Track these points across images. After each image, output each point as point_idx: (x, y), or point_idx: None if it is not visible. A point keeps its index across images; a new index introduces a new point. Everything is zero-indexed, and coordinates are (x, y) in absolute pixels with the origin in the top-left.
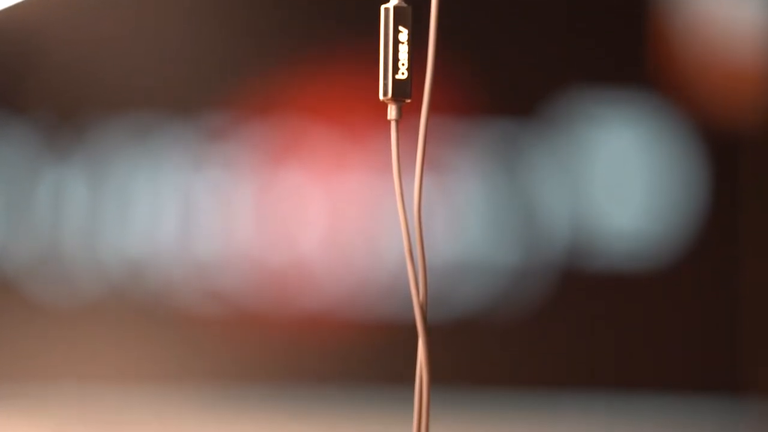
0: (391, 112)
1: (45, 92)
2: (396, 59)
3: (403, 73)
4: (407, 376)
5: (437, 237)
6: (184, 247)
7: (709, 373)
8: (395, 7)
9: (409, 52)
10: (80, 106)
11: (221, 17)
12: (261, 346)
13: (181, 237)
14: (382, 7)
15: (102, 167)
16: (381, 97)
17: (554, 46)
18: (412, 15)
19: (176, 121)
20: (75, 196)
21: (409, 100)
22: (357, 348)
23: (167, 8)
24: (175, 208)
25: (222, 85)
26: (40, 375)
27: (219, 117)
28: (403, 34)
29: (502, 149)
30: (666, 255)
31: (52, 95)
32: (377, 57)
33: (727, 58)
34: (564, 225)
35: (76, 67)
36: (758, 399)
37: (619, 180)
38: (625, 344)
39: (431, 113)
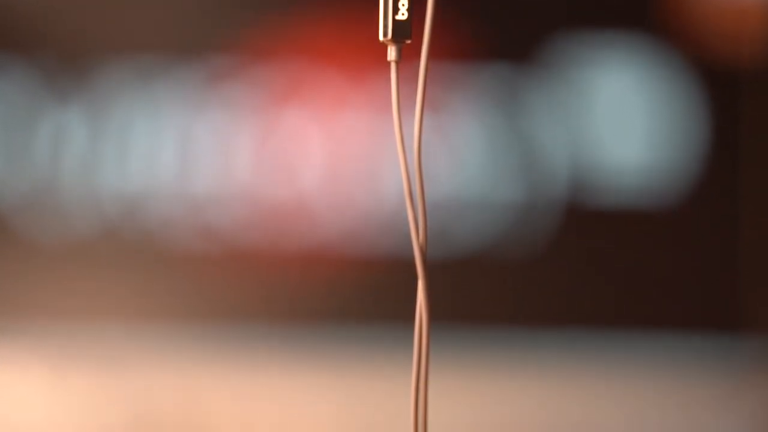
0: (391, 53)
1: (47, 35)
2: (396, 0)
3: (403, 14)
4: (407, 314)
5: (437, 176)
6: (182, 184)
7: (709, 311)
8: None
9: None
10: (82, 48)
11: None
12: (259, 283)
13: (179, 174)
14: None
15: (102, 109)
16: (381, 38)
17: None
18: None
19: (178, 64)
20: (74, 137)
21: (409, 41)
22: (357, 285)
23: None
24: (173, 148)
25: (224, 28)
26: (35, 312)
27: (220, 60)
28: None
29: (502, 92)
30: (667, 191)
31: (54, 38)
32: None
33: None
34: (565, 162)
35: (78, 9)
36: (758, 337)
37: (619, 118)
38: (625, 282)
39: (431, 56)
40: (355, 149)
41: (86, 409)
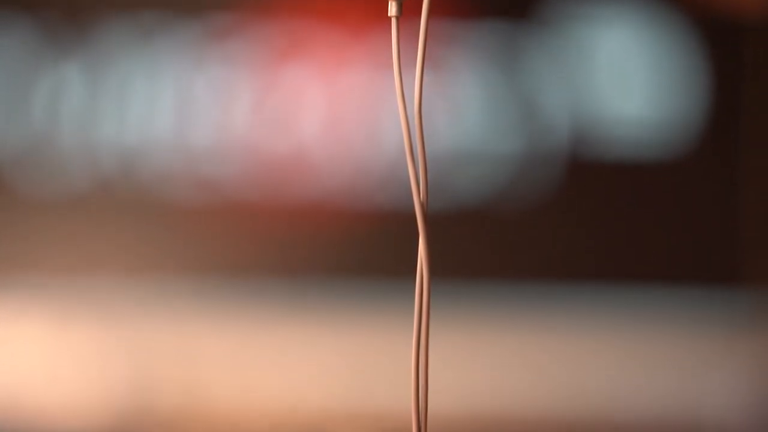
0: (392, 8)
1: None
2: None
3: None
4: (408, 267)
5: (437, 129)
6: (180, 137)
7: (708, 263)
8: None
9: None
10: (83, 4)
11: None
12: (257, 236)
13: (177, 128)
14: None
15: (102, 65)
16: None
17: None
18: None
19: (178, 21)
20: (73, 92)
21: None
22: (356, 238)
23: None
24: (172, 103)
25: None
26: (34, 266)
27: (220, 17)
28: None
29: (502, 47)
30: (668, 144)
31: None
32: None
33: None
34: (565, 115)
35: None
36: (757, 290)
37: (620, 71)
38: (625, 235)
39: (431, 13)
40: (355, 104)
41: (86, 361)
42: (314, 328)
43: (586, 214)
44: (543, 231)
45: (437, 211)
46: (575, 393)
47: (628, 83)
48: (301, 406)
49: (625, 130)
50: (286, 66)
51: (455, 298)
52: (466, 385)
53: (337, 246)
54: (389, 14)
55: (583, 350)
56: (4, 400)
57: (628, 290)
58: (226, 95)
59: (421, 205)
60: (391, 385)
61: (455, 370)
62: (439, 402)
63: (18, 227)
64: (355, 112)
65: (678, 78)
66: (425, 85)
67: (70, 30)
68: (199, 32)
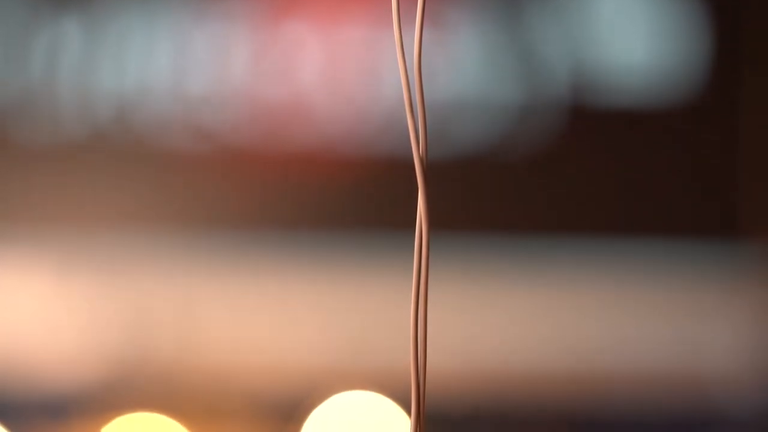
0: None
1: None
2: None
3: None
4: (407, 215)
5: (437, 77)
6: (177, 85)
7: (709, 216)
8: None
9: None
10: None
11: None
12: (255, 184)
13: (174, 76)
14: None
15: (100, 16)
16: None
17: None
18: None
19: None
20: (70, 42)
21: None
22: (355, 186)
23: None
24: (169, 53)
25: None
26: (31, 216)
27: None
28: None
29: (501, 3)
30: (670, 91)
31: None
32: None
33: None
34: (566, 63)
35: None
36: (757, 242)
37: (621, 19)
38: (626, 185)
39: None
40: (354, 56)
41: (82, 312)
42: (312, 280)
43: (586, 164)
44: (542, 181)
45: (436, 159)
46: (575, 344)
47: (629, 31)
48: (297, 359)
49: (625, 78)
50: (286, 19)
51: (454, 249)
52: (465, 336)
53: (336, 195)
54: None
55: (582, 302)
56: (2, 350)
57: (628, 241)
58: (225, 46)
59: (421, 160)
60: (389, 337)
61: (455, 322)
62: (438, 355)
63: (15, 176)
64: (355, 63)
65: (679, 25)
66: (425, 39)
67: None
68: None
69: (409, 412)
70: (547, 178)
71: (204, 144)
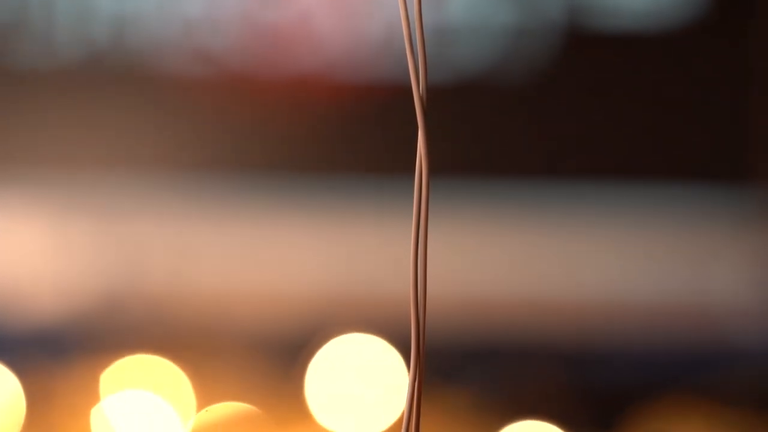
0: None
1: None
2: None
3: None
4: (407, 137)
5: (433, 4)
6: (174, 6)
7: (715, 158)
8: None
9: None
10: None
11: None
12: (255, 107)
13: None
14: None
15: None
16: None
17: None
18: None
19: None
20: None
21: None
22: (355, 110)
23: None
24: None
25: None
26: (22, 146)
27: None
28: None
29: None
30: (674, 13)
31: None
32: None
33: None
34: None
35: None
36: (763, 186)
37: None
38: (626, 116)
39: None
40: None
41: (74, 247)
42: (311, 214)
43: (586, 89)
44: (539, 109)
45: (435, 84)
46: (579, 277)
47: None
48: (293, 299)
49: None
50: None
51: (452, 182)
52: (468, 273)
53: (335, 121)
54: None
55: (581, 242)
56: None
57: (630, 185)
58: None
59: (421, 99)
60: (388, 276)
61: (454, 257)
62: (438, 289)
63: (8, 100)
64: None
65: None
66: None
67: None
68: None
69: (404, 352)
70: (543, 106)
71: (203, 67)
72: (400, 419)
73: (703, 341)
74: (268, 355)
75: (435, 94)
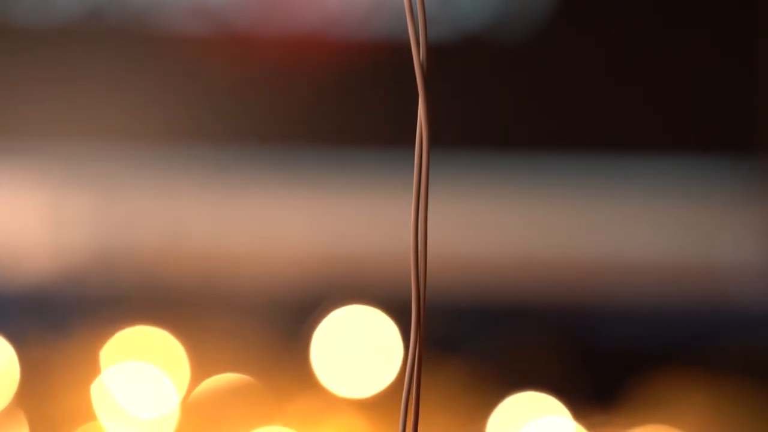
0: None
1: None
2: None
3: None
4: (407, 96)
5: None
6: None
7: (723, 130)
8: None
9: None
10: None
11: None
12: (254, 65)
13: None
14: None
15: None
16: None
17: None
18: None
19: None
20: None
21: None
22: (352, 70)
23: None
24: None
25: None
26: (18, 108)
27: None
28: None
29: None
30: None
31: None
32: None
33: None
34: None
35: None
36: None
37: None
38: (634, 88)
39: None
40: None
41: (76, 223)
42: (306, 179)
43: (586, 48)
44: (538, 68)
45: (430, 41)
46: (581, 234)
47: None
48: (289, 268)
49: None
50: None
51: (448, 138)
52: (467, 239)
53: (334, 79)
54: None
55: (591, 210)
56: None
57: (635, 157)
58: None
59: (421, 66)
60: (387, 244)
61: (456, 224)
62: (437, 257)
63: (6, 58)
64: None
65: None
66: None
67: None
68: None
69: (402, 324)
70: (542, 68)
71: (203, 24)
72: (400, 390)
73: (705, 300)
74: (266, 326)
75: (432, 50)
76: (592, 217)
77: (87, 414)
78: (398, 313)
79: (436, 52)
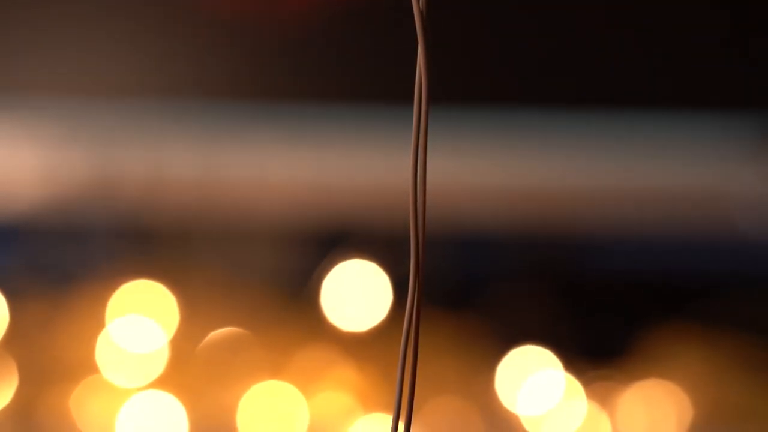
0: None
1: None
2: None
3: None
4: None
5: None
6: None
7: (735, 86)
8: None
9: None
10: None
11: None
12: (239, 14)
13: None
14: None
15: None
16: None
17: None
18: None
19: None
20: None
21: None
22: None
23: None
24: None
25: None
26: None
27: None
28: None
29: None
30: None
31: None
32: None
33: None
34: None
35: None
36: None
37: None
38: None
39: None
40: None
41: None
42: (297, 133)
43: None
44: (547, 9)
45: None
46: (587, 163)
47: None
48: (283, 217)
49: None
50: None
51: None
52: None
53: (325, 26)
54: None
55: (593, 147)
56: None
57: (646, 113)
58: None
59: (421, 13)
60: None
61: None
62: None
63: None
64: None
65: None
66: None
67: None
68: None
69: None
70: (548, 12)
71: None
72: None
73: (714, 231)
74: (263, 281)
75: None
76: (592, 149)
77: (83, 365)
78: (391, 263)
79: None
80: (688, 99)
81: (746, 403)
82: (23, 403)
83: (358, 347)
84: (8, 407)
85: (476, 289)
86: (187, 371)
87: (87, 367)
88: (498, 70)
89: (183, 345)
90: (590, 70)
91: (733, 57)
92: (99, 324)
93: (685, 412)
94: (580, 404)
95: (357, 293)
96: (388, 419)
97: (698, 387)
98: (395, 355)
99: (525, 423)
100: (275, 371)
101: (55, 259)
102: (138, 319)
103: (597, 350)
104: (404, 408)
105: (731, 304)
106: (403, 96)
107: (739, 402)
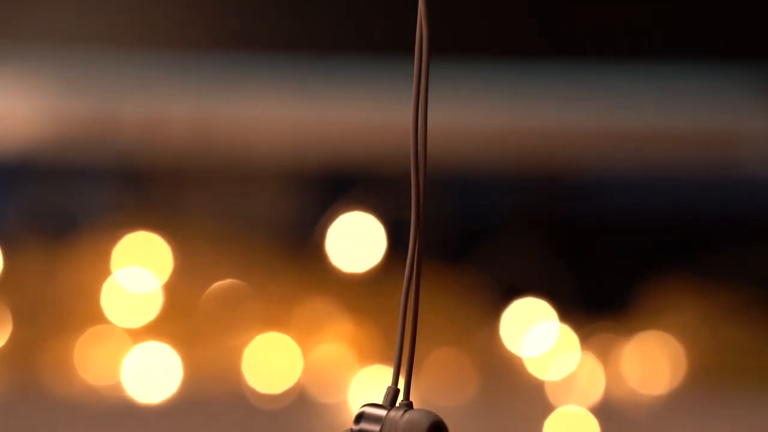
0: None
1: None
2: None
3: None
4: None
5: None
6: None
7: (745, 36)
8: None
9: None
10: None
11: None
12: None
13: None
14: None
15: None
16: None
17: None
18: None
19: None
20: None
21: None
22: None
23: None
24: None
25: None
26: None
27: None
28: None
29: None
30: None
31: None
32: None
33: None
34: None
35: None
36: None
37: None
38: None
39: None
40: None
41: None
42: (299, 84)
43: None
44: None
45: None
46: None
47: None
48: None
49: None
50: None
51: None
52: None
53: None
54: None
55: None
56: None
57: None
58: None
59: None
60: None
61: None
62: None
63: None
64: None
65: None
66: None
67: None
68: None
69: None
70: None
71: None
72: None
73: (720, 169)
74: (262, 234)
75: None
76: (594, 89)
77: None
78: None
79: None
80: (702, 47)
81: (743, 356)
82: (19, 348)
83: (356, 298)
84: (4, 352)
85: (476, 239)
86: (187, 324)
87: (91, 316)
88: (518, 19)
89: (182, 297)
90: (604, 18)
91: (746, 6)
92: (104, 273)
93: (681, 364)
94: (577, 355)
95: (354, 240)
96: (387, 371)
97: (697, 341)
98: (392, 308)
99: (527, 365)
100: (274, 323)
101: (54, 203)
102: (138, 270)
103: (599, 302)
104: (404, 364)
105: (731, 255)
106: (404, 46)
107: (736, 356)
